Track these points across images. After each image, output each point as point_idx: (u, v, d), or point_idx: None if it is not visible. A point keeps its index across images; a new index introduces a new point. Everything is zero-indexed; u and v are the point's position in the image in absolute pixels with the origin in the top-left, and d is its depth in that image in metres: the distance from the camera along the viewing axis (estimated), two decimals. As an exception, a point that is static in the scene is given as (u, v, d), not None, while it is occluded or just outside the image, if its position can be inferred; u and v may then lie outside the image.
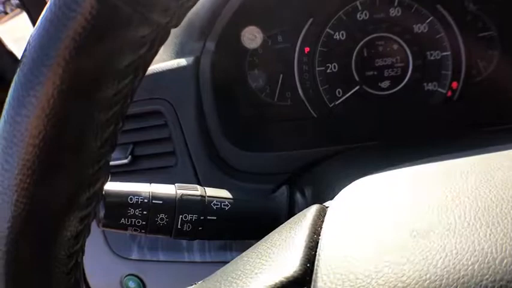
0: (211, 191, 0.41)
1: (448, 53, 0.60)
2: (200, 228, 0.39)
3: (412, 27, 0.60)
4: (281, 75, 0.64)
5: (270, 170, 0.53)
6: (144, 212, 0.38)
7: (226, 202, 0.40)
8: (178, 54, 0.57)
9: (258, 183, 0.52)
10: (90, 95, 0.21)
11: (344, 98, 0.62)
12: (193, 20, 0.57)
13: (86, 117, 0.21)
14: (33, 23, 0.77)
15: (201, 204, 0.39)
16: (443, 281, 0.20)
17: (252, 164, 0.54)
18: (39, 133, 0.20)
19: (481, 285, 0.19)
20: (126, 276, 0.60)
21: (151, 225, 0.38)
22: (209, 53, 0.56)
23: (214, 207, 0.40)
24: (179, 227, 0.38)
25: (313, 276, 0.22)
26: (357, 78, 0.62)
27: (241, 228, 0.41)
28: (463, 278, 0.20)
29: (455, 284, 0.19)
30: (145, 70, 0.23)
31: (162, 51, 0.56)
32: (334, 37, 0.62)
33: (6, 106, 0.21)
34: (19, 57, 0.77)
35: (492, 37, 0.60)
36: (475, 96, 0.60)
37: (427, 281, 0.20)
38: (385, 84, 0.62)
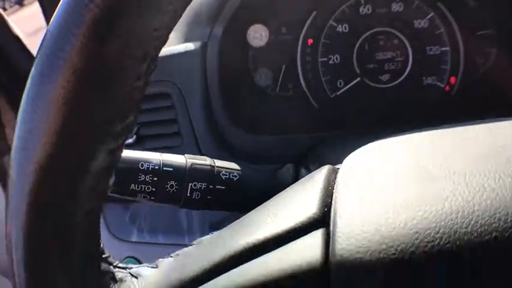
0: (220, 163, 0.42)
1: (447, 48, 0.62)
2: (209, 197, 0.40)
3: (413, 22, 0.62)
4: (284, 66, 0.65)
5: (274, 152, 0.54)
6: (155, 179, 0.38)
7: (235, 173, 0.41)
8: (187, 39, 0.58)
9: (262, 164, 0.53)
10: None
11: (345, 89, 0.64)
12: (202, 6, 0.58)
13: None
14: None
15: (211, 174, 0.40)
16: (459, 213, 0.21)
17: (256, 146, 0.55)
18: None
19: (494, 217, 0.20)
20: (126, 258, 0.61)
21: (160, 192, 0.39)
22: (216, 39, 0.57)
23: (223, 177, 0.40)
24: (188, 195, 0.39)
25: (331, 217, 0.23)
26: (357, 70, 0.64)
27: (248, 200, 0.42)
28: (477, 211, 0.21)
29: (470, 217, 0.20)
30: None
31: (171, 35, 0.57)
32: (337, 30, 0.63)
33: (47, 38, 0.22)
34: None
35: (490, 35, 0.62)
36: (473, 92, 0.62)
37: (444, 215, 0.21)
38: (385, 77, 0.64)
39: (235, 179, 0.41)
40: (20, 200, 0.22)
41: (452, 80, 0.63)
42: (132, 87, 0.22)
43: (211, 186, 0.40)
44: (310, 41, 0.64)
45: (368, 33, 0.63)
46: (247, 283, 0.22)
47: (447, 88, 0.63)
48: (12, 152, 0.23)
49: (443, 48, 0.62)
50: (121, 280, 0.25)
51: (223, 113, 0.56)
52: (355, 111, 0.63)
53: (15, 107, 0.79)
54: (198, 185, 0.39)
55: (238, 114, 0.57)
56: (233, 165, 0.42)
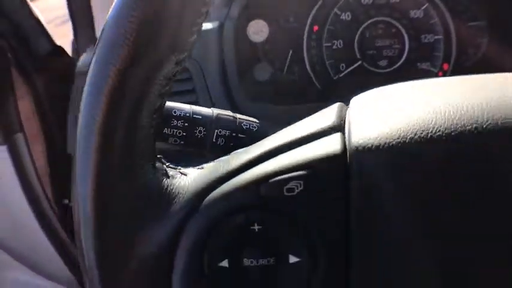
0: (241, 116, 0.47)
1: (441, 36, 0.68)
2: (231, 144, 0.45)
3: (409, 12, 0.69)
4: (291, 51, 0.71)
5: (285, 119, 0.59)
6: (186, 124, 0.43)
7: (254, 125, 0.46)
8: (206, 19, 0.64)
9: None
10: None
11: (346, 71, 0.70)
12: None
13: None
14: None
15: (233, 123, 0.45)
16: (447, 114, 0.26)
17: (269, 116, 0.60)
18: None
19: (471, 118, 0.26)
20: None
21: (190, 136, 0.43)
22: (232, 20, 0.63)
23: (244, 127, 0.45)
24: (214, 140, 0.44)
25: (347, 125, 0.28)
26: (358, 55, 0.70)
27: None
28: (458, 114, 0.26)
29: (455, 116, 0.26)
30: None
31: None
32: (341, 17, 0.70)
33: None
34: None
35: (481, 26, 0.69)
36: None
37: (436, 114, 0.26)
38: (383, 62, 0.70)
39: (254, 129, 0.46)
40: (97, 95, 0.27)
41: (445, 66, 0.69)
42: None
43: (234, 134, 0.45)
44: (315, 27, 0.70)
45: (369, 21, 0.69)
46: (276, 170, 0.27)
47: (440, 74, 0.69)
48: (95, 54, 0.27)
49: (437, 37, 0.69)
50: (172, 177, 0.29)
51: (237, 86, 0.62)
52: (355, 93, 0.69)
53: (31, 87, 0.84)
54: (223, 132, 0.44)
55: (251, 88, 0.63)
56: (252, 119, 0.47)
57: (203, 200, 0.27)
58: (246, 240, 0.27)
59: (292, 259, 0.27)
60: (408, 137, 0.26)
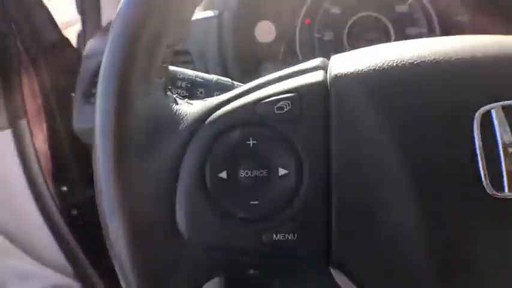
0: (238, 83, 0.51)
1: (425, 29, 0.74)
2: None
3: (395, 7, 0.74)
4: (284, 43, 0.76)
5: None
6: (188, 85, 0.47)
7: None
8: (207, 8, 0.69)
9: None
10: None
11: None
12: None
13: None
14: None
15: (231, 87, 0.49)
16: (412, 54, 0.31)
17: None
18: None
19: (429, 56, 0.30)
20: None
21: (192, 96, 0.48)
22: (231, 9, 0.68)
23: (241, 91, 0.50)
24: (213, 101, 0.48)
25: (329, 65, 0.33)
26: (347, 47, 0.75)
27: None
28: (421, 51, 0.31)
29: (419, 54, 0.30)
30: None
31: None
32: (331, 11, 0.75)
33: None
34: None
35: (463, 21, 0.74)
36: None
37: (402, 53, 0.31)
38: (370, 54, 0.75)
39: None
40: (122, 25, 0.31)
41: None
42: None
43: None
44: (307, 20, 0.75)
45: (357, 15, 0.75)
46: (269, 94, 0.31)
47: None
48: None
49: (421, 30, 0.74)
50: (180, 104, 0.33)
51: (235, 68, 0.66)
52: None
53: (37, 75, 0.88)
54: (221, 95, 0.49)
55: (248, 70, 0.68)
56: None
57: (206, 120, 0.31)
58: (243, 153, 0.31)
59: (281, 171, 0.31)
60: (380, 67, 0.31)
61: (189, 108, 0.33)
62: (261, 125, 0.31)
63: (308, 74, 0.32)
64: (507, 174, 0.29)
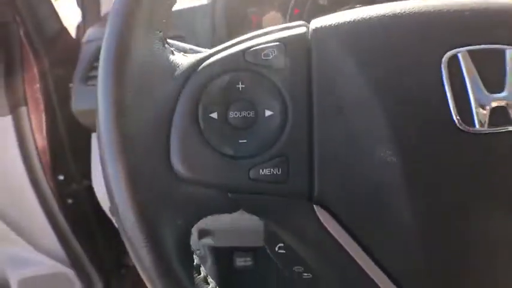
0: None
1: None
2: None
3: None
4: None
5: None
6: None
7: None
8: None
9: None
10: None
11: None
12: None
13: None
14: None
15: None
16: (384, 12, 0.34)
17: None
18: None
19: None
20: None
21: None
22: (223, -2, 0.73)
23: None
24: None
25: (310, 27, 0.36)
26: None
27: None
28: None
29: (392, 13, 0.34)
30: None
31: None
32: (319, 2, 0.79)
33: None
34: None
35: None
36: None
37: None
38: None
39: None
40: None
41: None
42: None
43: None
44: (296, 10, 0.80)
45: (343, 7, 0.79)
46: (257, 43, 0.34)
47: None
48: None
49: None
50: (177, 54, 0.35)
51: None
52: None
53: (38, 64, 0.91)
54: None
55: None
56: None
57: (199, 66, 0.35)
58: (232, 96, 0.34)
59: (268, 113, 0.34)
60: (355, 21, 0.34)
61: (184, 58, 0.36)
62: (249, 70, 0.34)
63: (292, 29, 0.36)
64: (476, 110, 0.32)
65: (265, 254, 0.39)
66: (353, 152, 0.33)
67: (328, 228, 0.34)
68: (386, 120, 0.32)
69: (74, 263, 1.07)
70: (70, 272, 1.08)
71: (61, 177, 1.02)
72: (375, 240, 0.33)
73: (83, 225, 1.05)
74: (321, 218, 0.34)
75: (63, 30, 0.91)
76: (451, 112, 0.32)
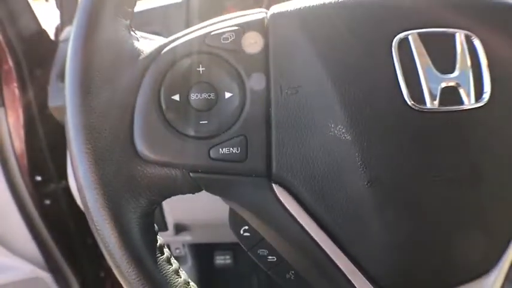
0: None
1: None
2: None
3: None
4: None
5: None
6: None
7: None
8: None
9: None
10: None
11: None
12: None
13: None
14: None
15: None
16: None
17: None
18: None
19: None
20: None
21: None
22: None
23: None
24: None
25: (268, 13, 0.37)
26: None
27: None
28: None
29: None
30: None
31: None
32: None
33: None
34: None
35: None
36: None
37: None
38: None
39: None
40: None
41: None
42: None
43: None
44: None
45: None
46: (217, 28, 0.35)
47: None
48: None
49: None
50: (142, 40, 0.36)
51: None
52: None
53: (16, 66, 0.91)
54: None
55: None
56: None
57: (162, 50, 0.36)
58: (193, 79, 0.35)
59: (227, 94, 0.35)
60: (311, 6, 0.36)
61: (148, 43, 0.36)
62: (209, 53, 0.35)
63: (251, 15, 0.37)
64: (428, 90, 0.34)
65: (245, 252, 0.40)
66: (309, 130, 0.34)
67: (287, 206, 0.34)
68: (340, 100, 0.33)
69: (52, 266, 1.06)
70: (47, 277, 1.06)
71: (38, 178, 1.02)
72: (332, 218, 0.34)
73: (61, 227, 1.04)
74: (279, 196, 0.35)
75: (42, 31, 0.91)
76: (402, 91, 0.33)
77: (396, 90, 0.33)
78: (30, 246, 1.03)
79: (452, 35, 0.35)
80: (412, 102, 0.33)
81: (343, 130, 0.33)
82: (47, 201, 1.02)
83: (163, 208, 0.77)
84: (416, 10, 0.35)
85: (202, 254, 0.90)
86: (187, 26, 0.70)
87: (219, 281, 0.96)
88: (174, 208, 0.77)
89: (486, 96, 0.34)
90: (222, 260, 0.92)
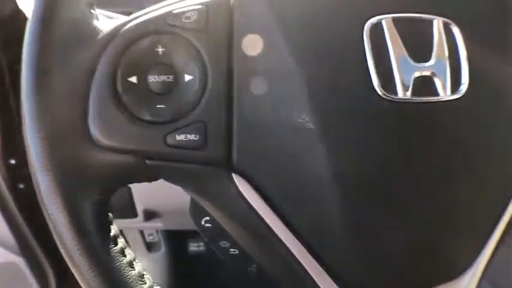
0: None
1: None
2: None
3: None
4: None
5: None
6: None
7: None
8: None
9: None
10: None
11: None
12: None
13: None
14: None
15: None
16: None
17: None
18: None
19: None
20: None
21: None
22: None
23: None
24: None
25: None
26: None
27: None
28: None
29: None
30: None
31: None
32: None
33: None
34: None
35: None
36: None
37: None
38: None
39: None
40: None
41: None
42: None
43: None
44: None
45: None
46: (179, 6, 0.33)
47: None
48: None
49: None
50: (102, 20, 0.34)
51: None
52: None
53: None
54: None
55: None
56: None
57: (121, 30, 0.33)
58: (152, 60, 0.33)
59: (187, 77, 0.33)
60: None
61: (108, 23, 0.35)
62: (169, 33, 0.33)
63: None
64: (400, 79, 0.31)
65: (219, 239, 0.38)
66: (272, 119, 0.32)
67: (248, 199, 0.33)
68: (307, 88, 0.31)
69: (25, 251, 1.04)
70: (20, 261, 1.05)
71: (13, 161, 0.99)
72: (294, 212, 0.32)
73: (34, 212, 1.02)
74: (240, 187, 0.33)
75: (17, 10, 0.88)
76: (371, 79, 0.31)
77: (366, 78, 0.31)
78: (3, 229, 1.01)
79: (430, 22, 0.33)
80: (383, 91, 0.31)
81: (307, 119, 0.31)
82: (21, 185, 0.99)
83: (132, 194, 0.75)
84: None
85: (175, 241, 0.89)
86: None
87: (193, 267, 0.94)
88: (143, 194, 0.75)
89: (463, 88, 0.32)
90: (195, 247, 0.91)
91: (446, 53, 0.32)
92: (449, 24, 0.32)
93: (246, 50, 0.32)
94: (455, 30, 0.33)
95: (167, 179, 0.35)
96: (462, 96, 0.32)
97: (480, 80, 0.32)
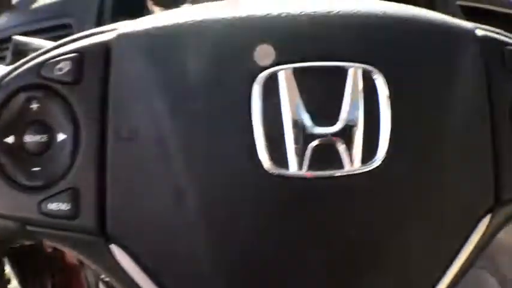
0: None
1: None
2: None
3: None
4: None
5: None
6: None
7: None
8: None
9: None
10: None
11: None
12: None
13: None
14: None
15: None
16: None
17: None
18: None
19: None
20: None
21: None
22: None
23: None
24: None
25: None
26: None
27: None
28: None
29: None
30: None
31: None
32: None
33: None
34: None
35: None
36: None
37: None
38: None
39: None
40: None
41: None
42: None
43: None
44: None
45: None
46: (54, 55, 0.29)
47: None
48: None
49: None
50: None
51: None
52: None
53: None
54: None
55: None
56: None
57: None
58: (27, 118, 0.29)
59: (61, 137, 0.29)
60: (159, 28, 0.28)
61: None
62: (42, 87, 0.29)
63: (100, 34, 0.30)
64: (293, 149, 0.26)
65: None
66: (146, 185, 0.28)
67: (127, 269, 0.29)
68: (180, 149, 0.27)
69: None
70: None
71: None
72: (174, 286, 0.29)
73: None
74: (118, 257, 0.29)
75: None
76: (256, 149, 0.25)
77: (249, 147, 0.25)
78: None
79: (344, 71, 0.26)
80: (271, 164, 0.25)
81: (184, 191, 0.27)
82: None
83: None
84: (294, 33, 0.27)
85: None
86: (100, 14, 0.64)
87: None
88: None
89: (378, 157, 0.25)
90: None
91: (361, 113, 0.25)
92: (371, 72, 0.26)
93: (120, 104, 0.29)
94: (379, 82, 0.26)
95: (52, 244, 0.32)
96: (376, 168, 0.25)
97: (403, 146, 0.25)
